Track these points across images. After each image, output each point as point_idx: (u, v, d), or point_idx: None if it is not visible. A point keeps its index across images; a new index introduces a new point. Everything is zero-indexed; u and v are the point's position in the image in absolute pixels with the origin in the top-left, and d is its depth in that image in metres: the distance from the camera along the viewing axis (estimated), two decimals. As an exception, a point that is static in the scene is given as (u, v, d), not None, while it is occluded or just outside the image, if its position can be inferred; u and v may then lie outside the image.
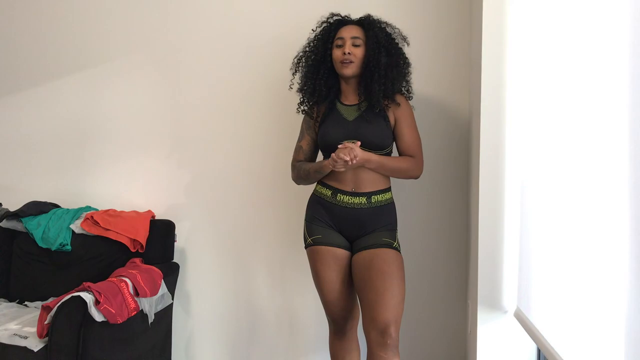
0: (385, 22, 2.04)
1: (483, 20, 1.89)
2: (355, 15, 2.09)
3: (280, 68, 2.48)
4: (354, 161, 1.82)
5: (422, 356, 2.49)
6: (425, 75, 2.25)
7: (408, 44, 2.06)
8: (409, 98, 2.07)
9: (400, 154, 2.04)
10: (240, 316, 2.71)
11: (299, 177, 2.09)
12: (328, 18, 2.07)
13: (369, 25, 1.99)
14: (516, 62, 1.82)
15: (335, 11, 2.09)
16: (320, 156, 2.17)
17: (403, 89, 2.05)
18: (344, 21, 2.05)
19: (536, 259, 1.55)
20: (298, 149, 2.14)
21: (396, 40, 2.02)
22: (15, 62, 2.94)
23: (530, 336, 1.57)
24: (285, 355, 2.67)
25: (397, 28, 2.05)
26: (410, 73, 2.06)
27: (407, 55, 2.04)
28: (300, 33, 2.15)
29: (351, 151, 1.82)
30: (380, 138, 1.96)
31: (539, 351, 1.84)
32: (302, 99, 2.11)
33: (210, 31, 2.70)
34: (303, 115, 2.15)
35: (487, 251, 1.88)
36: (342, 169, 1.88)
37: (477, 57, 2.04)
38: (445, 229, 2.47)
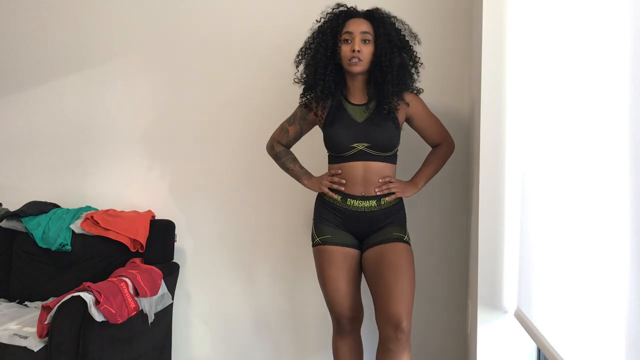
0: (395, 17, 1.97)
1: (483, 20, 1.89)
2: (359, 7, 2.01)
3: (281, 67, 2.47)
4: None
5: (423, 356, 2.49)
6: (425, 75, 2.24)
7: (419, 42, 2.00)
8: (417, 92, 2.04)
9: (427, 142, 2.11)
10: (240, 316, 2.71)
11: (275, 159, 2.19)
12: (334, 9, 1.98)
13: (379, 21, 1.90)
14: (516, 61, 1.82)
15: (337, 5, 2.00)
16: (315, 148, 2.17)
17: (411, 84, 2.01)
18: (351, 13, 1.95)
19: (536, 258, 1.55)
20: (284, 131, 2.14)
21: (407, 37, 1.96)
22: (16, 62, 2.94)
23: (531, 336, 1.57)
24: (287, 355, 2.67)
25: (407, 24, 1.98)
26: (419, 71, 2.02)
27: (418, 54, 1.99)
28: (301, 31, 2.14)
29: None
30: (389, 141, 1.95)
31: (539, 351, 1.84)
32: (305, 92, 2.05)
33: (209, 31, 2.69)
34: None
35: (487, 251, 1.88)
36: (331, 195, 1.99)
37: (477, 56, 2.03)
38: (445, 229, 2.47)
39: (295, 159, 2.16)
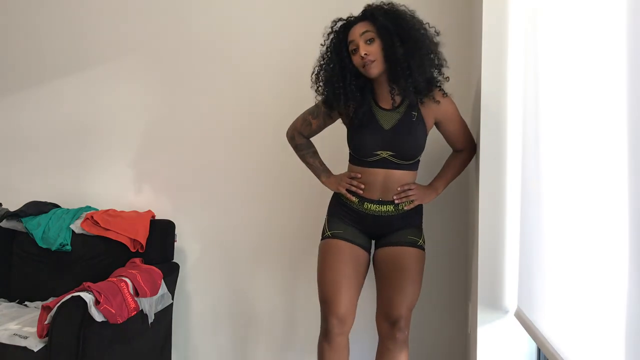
0: (390, 3, 1.86)
1: (483, 19, 1.88)
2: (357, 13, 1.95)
3: (284, 65, 2.48)
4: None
5: (422, 356, 2.49)
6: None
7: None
8: (444, 93, 1.93)
9: (451, 146, 2.07)
10: (240, 316, 2.71)
11: (295, 150, 2.14)
12: (332, 27, 1.93)
13: (374, 16, 1.82)
14: (516, 61, 1.82)
15: (338, 13, 1.95)
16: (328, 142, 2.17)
17: (437, 75, 1.88)
18: (349, 23, 1.89)
19: (537, 258, 1.55)
20: (306, 123, 2.06)
21: (407, 19, 1.83)
22: (16, 62, 2.95)
23: (531, 336, 1.57)
24: (286, 355, 2.67)
25: (403, 5, 1.85)
26: (438, 43, 1.86)
27: (425, 28, 1.85)
28: (303, 31, 2.13)
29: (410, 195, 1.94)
30: (415, 150, 1.90)
31: (539, 351, 1.84)
32: (330, 108, 1.96)
33: (209, 31, 2.70)
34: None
35: (487, 251, 1.88)
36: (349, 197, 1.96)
37: (477, 56, 2.03)
38: (446, 229, 2.47)
39: (316, 153, 2.12)
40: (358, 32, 1.83)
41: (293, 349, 2.67)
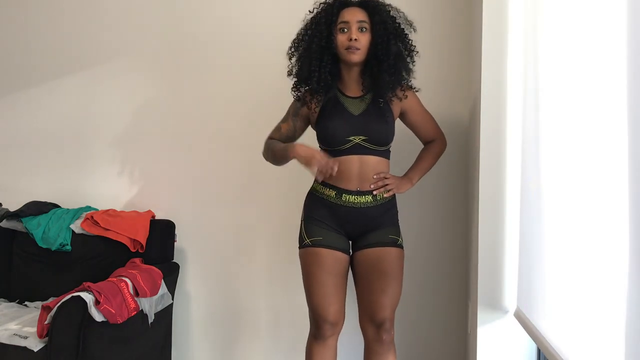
0: (390, 5, 1.93)
1: (483, 19, 1.89)
2: None
3: (279, 67, 2.46)
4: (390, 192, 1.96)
5: (422, 356, 2.49)
6: (425, 75, 2.24)
7: (415, 30, 1.95)
8: (415, 89, 2.00)
9: (420, 138, 2.08)
10: (240, 316, 2.71)
11: (267, 153, 2.04)
12: None
13: (375, 10, 1.87)
14: (516, 61, 1.82)
15: None
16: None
17: (406, 77, 1.95)
18: (345, 2, 1.90)
19: (536, 258, 1.55)
20: (277, 129, 2.06)
21: (402, 26, 1.91)
22: (16, 62, 2.95)
23: (531, 336, 1.57)
24: (286, 354, 2.67)
25: (402, 12, 1.94)
26: (415, 61, 1.97)
27: (413, 43, 1.94)
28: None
29: (387, 183, 1.93)
30: (386, 135, 1.91)
31: (539, 351, 1.84)
32: (298, 85, 1.98)
33: (209, 31, 2.70)
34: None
35: (487, 251, 1.88)
36: (318, 177, 1.83)
37: (477, 56, 2.03)
38: (446, 228, 2.47)
39: (279, 142, 1.99)
40: (355, 17, 1.87)
41: (294, 348, 2.67)
